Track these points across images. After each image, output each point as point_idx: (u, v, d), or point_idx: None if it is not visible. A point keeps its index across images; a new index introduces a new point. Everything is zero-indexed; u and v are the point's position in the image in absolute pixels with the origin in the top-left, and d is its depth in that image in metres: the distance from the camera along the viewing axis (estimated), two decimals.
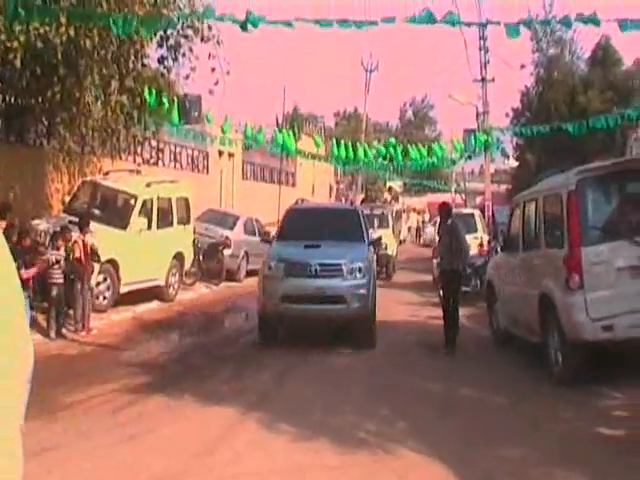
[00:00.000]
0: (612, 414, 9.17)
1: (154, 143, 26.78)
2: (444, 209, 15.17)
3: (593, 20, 10.06)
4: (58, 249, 14.46)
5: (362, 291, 13.72)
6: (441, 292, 15.08)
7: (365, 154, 29.55)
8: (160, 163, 28.27)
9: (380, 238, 17.81)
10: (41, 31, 14.62)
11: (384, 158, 32.33)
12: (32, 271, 13.30)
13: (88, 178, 19.56)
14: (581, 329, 10.10)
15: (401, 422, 8.93)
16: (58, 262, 14.26)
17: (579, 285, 10.14)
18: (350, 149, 28.08)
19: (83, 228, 15.05)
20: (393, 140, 32.43)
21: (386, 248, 25.77)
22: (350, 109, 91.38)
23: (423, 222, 57.67)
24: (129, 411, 9.31)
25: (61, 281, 14.32)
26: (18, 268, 12.43)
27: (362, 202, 30.44)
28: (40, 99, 17.98)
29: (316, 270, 13.62)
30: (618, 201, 10.98)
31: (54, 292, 14.20)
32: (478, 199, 52.20)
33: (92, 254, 14.85)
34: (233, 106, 55.50)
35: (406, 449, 7.81)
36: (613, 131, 27.64)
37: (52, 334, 14.06)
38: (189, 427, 8.66)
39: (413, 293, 23.12)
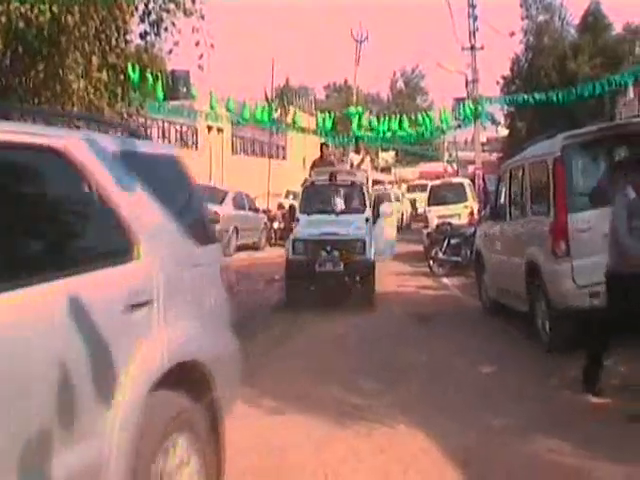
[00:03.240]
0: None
1: (141, 120, 26.59)
2: None
3: None
4: None
5: None
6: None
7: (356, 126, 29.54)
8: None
9: None
10: (22, 10, 14.46)
11: (374, 130, 32.20)
12: None
13: None
14: (568, 296, 10.07)
15: (387, 395, 8.88)
16: None
17: (565, 252, 10.10)
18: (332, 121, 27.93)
19: None
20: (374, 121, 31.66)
21: (362, 250, 15.04)
22: (340, 81, 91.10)
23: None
24: None
25: None
26: None
27: (313, 166, 18.93)
28: (24, 78, 17.81)
29: None
30: (604, 167, 10.91)
31: None
32: (470, 168, 52.13)
33: None
34: (225, 81, 55.25)
35: (391, 422, 7.77)
36: (602, 97, 27.55)
37: None
38: None
39: (402, 263, 23.04)
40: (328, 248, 14.76)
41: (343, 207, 16.58)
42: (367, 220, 15.86)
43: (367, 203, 16.62)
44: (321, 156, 18.98)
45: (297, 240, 15.28)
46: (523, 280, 11.28)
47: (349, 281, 14.96)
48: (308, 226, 15.61)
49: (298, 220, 16.12)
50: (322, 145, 20.17)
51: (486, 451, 6.85)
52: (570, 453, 6.72)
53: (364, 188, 17.12)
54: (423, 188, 35.11)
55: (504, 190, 13.36)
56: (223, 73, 45.15)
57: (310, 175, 18.05)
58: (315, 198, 16.84)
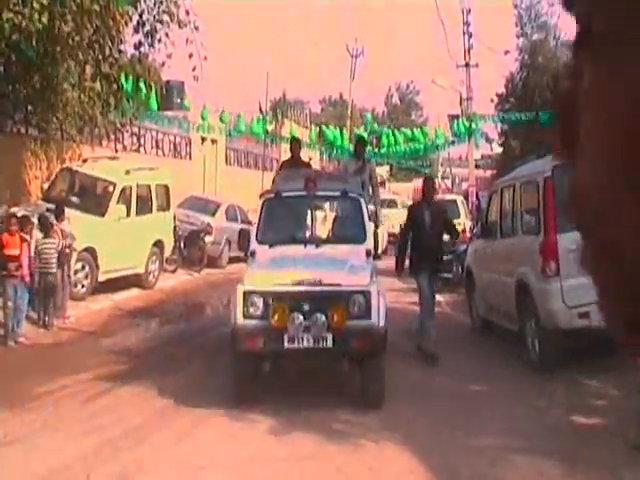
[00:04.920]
0: (586, 402, 9.12)
1: (135, 130, 26.54)
2: None
3: None
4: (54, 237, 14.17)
5: None
6: None
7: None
8: (141, 150, 28.05)
9: None
10: (15, 21, 14.48)
11: (370, 145, 32.29)
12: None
13: (66, 165, 19.39)
14: (557, 316, 10.05)
15: (376, 411, 8.85)
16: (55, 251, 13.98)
17: (555, 272, 10.08)
18: (333, 134, 28.00)
19: (59, 217, 14.89)
20: (376, 126, 31.95)
21: (366, 309, 8.65)
22: (335, 95, 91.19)
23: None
24: (100, 401, 9.21)
25: (54, 270, 14.05)
26: None
27: (282, 166, 14.17)
28: (18, 86, 17.82)
29: None
30: None
31: (51, 281, 13.98)
32: (464, 185, 52.19)
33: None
34: (223, 93, 55.28)
35: (379, 439, 7.75)
36: None
37: (47, 323, 13.86)
38: (159, 417, 8.57)
39: (392, 279, 22.89)
40: (306, 307, 8.53)
41: (329, 233, 11.10)
42: (368, 255, 9.79)
43: (367, 226, 10.39)
44: (292, 156, 13.63)
45: (251, 293, 8.69)
46: (513, 299, 11.25)
47: (343, 365, 9.49)
48: (270, 267, 9.48)
49: (253, 255, 9.94)
50: (292, 142, 14.55)
51: (473, 471, 6.82)
52: (559, 475, 6.69)
53: (362, 202, 10.65)
54: (391, 204, 33.63)
55: (495, 208, 13.35)
56: (220, 85, 45.28)
57: (274, 182, 12.24)
58: (282, 218, 10.79)
